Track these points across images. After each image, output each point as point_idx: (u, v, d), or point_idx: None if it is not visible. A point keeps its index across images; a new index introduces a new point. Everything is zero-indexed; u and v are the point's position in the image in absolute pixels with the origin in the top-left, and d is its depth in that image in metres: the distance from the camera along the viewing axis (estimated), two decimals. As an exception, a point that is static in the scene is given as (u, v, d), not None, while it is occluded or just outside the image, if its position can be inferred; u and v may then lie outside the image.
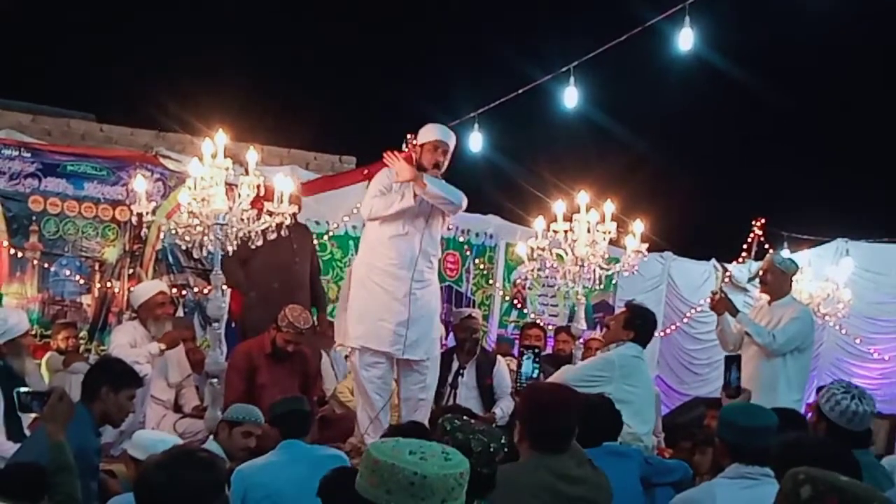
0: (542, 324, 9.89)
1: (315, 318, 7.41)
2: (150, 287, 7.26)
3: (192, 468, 2.76)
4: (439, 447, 2.27)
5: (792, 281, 7.38)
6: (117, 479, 4.99)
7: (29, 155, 8.38)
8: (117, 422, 4.92)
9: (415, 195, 6.41)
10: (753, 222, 13.00)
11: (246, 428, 5.20)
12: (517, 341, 9.95)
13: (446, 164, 6.66)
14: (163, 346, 6.71)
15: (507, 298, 11.24)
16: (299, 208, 6.64)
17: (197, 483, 2.73)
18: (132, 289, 7.79)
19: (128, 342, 6.69)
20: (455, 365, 7.53)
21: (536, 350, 6.38)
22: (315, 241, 8.48)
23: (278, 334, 6.61)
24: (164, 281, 8.24)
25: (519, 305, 11.26)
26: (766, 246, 12.21)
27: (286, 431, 4.75)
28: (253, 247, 6.16)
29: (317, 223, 9.68)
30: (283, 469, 4.49)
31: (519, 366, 6.55)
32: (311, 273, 7.62)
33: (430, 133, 6.62)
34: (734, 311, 7.08)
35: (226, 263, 6.40)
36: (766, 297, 7.31)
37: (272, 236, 6.12)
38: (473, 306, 10.42)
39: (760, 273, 7.38)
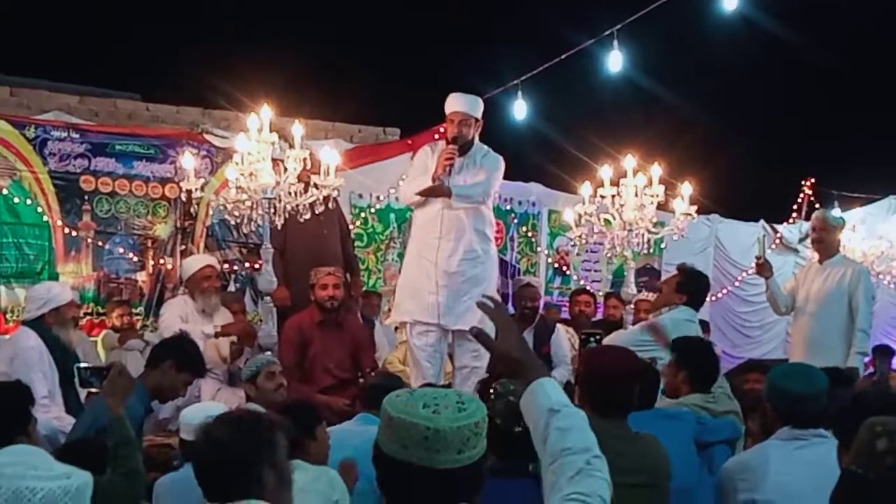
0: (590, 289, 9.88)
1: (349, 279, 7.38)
2: (197, 261, 7.32)
3: (239, 432, 2.73)
4: (455, 396, 2.22)
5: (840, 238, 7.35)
6: None
7: (77, 136, 8.45)
8: (165, 399, 4.96)
9: (434, 176, 6.43)
10: (803, 182, 12.85)
11: (266, 370, 5.24)
12: (566, 308, 9.96)
13: (472, 132, 6.61)
14: (218, 329, 6.74)
15: (553, 264, 11.23)
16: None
17: (247, 444, 2.70)
18: (181, 263, 7.90)
19: (178, 316, 6.77)
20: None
21: (598, 337, 6.33)
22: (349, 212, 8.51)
23: (318, 295, 6.65)
24: (214, 256, 8.31)
25: (566, 271, 11.24)
26: (817, 206, 12.07)
27: (371, 403, 4.72)
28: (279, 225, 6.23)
29: (360, 196, 9.72)
30: (355, 436, 4.47)
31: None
32: (341, 238, 7.64)
33: (446, 106, 6.64)
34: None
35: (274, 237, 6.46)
36: (816, 257, 7.23)
37: (320, 209, 6.15)
38: (519, 274, 10.42)
39: (812, 231, 7.30)
